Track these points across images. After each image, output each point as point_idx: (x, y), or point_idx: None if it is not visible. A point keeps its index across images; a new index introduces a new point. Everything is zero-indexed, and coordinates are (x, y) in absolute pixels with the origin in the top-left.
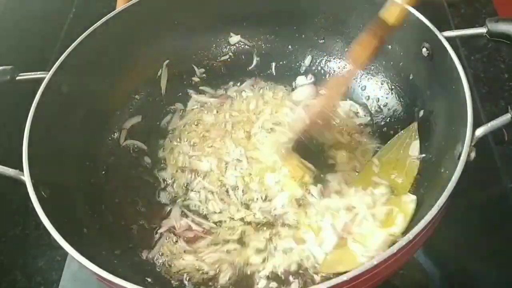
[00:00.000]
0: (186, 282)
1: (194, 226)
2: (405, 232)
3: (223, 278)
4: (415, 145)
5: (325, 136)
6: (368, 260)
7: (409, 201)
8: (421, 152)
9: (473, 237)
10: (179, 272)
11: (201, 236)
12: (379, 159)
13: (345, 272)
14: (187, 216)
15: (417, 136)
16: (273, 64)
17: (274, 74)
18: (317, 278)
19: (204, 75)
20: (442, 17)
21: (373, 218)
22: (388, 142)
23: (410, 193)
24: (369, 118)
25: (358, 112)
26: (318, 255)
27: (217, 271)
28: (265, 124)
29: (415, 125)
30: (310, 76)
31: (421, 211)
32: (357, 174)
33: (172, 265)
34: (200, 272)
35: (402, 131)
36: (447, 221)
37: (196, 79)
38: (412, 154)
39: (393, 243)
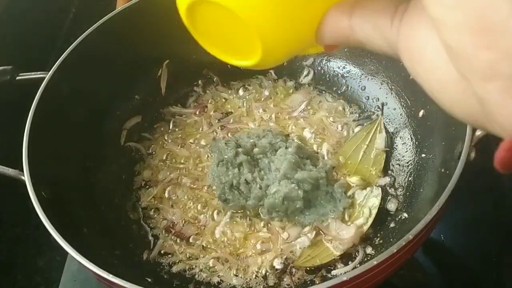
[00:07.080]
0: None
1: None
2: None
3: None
4: (381, 138)
5: None
6: (343, 251)
7: (376, 194)
8: (421, 152)
9: (473, 237)
10: (181, 272)
11: (201, 231)
12: (344, 154)
13: (321, 265)
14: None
15: (383, 129)
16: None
17: (274, 74)
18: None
19: (204, 75)
20: None
21: (335, 214)
22: (353, 135)
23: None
24: (357, 115)
25: (344, 110)
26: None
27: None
28: None
29: (381, 118)
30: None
31: (421, 211)
32: None
33: (174, 264)
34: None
35: (365, 124)
36: (448, 221)
37: (196, 79)
38: (378, 147)
39: (362, 233)
